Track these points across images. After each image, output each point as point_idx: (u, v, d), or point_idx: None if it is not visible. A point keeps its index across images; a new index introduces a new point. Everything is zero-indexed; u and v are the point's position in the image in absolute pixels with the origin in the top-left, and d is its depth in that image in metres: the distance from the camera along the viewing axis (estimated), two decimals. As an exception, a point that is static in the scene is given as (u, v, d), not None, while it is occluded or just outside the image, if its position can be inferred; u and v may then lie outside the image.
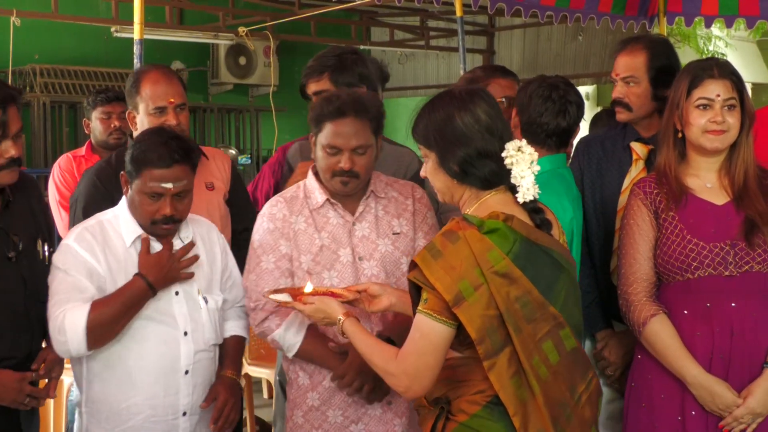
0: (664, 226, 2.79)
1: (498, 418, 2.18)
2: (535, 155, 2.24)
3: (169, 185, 2.64)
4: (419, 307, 2.18)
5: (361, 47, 8.79)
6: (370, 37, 9.60)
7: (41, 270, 2.76)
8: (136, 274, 2.66)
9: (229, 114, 8.90)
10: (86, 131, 4.83)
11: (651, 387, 2.81)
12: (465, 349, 2.23)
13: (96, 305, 2.61)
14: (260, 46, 8.48)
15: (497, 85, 3.47)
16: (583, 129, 3.45)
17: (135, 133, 3.17)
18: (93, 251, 2.68)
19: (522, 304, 2.13)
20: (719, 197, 2.80)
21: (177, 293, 2.76)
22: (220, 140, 8.72)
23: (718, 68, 2.77)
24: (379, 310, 2.64)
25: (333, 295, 2.58)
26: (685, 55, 8.36)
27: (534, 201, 2.25)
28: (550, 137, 3.09)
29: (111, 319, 2.61)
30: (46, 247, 2.84)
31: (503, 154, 2.22)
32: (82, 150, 4.75)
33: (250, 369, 5.17)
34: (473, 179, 2.26)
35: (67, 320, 2.59)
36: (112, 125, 4.66)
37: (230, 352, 2.93)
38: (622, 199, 3.21)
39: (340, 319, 2.44)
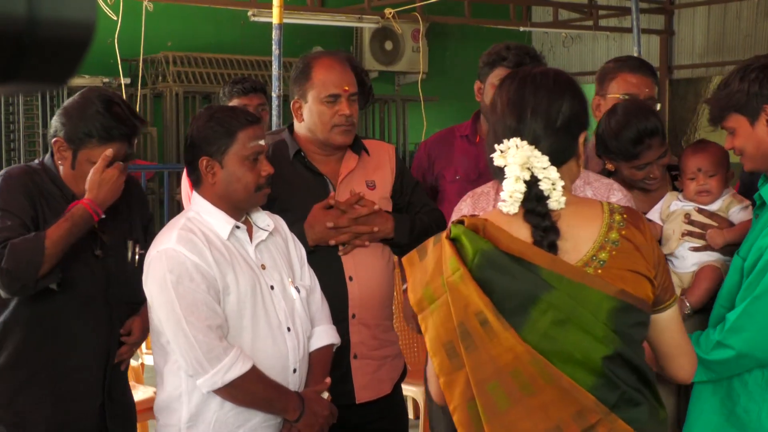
0: None
1: None
2: (544, 159, 1.98)
3: (263, 142, 2.78)
4: None
5: (521, 29, 8.73)
6: (530, 18, 9.45)
7: (129, 271, 2.94)
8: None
9: (372, 104, 8.86)
10: (221, 124, 4.85)
11: None
12: None
13: None
14: (408, 30, 8.48)
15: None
16: None
17: (299, 125, 3.23)
18: (202, 253, 2.65)
19: (481, 321, 1.99)
20: None
21: (272, 287, 2.78)
22: (362, 133, 8.72)
23: None
24: None
25: None
26: None
27: (543, 216, 2.02)
28: None
29: None
30: (137, 249, 3.00)
31: (495, 149, 2.04)
32: (217, 144, 4.77)
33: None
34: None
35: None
36: (250, 118, 4.65)
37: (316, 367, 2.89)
38: None
39: None
